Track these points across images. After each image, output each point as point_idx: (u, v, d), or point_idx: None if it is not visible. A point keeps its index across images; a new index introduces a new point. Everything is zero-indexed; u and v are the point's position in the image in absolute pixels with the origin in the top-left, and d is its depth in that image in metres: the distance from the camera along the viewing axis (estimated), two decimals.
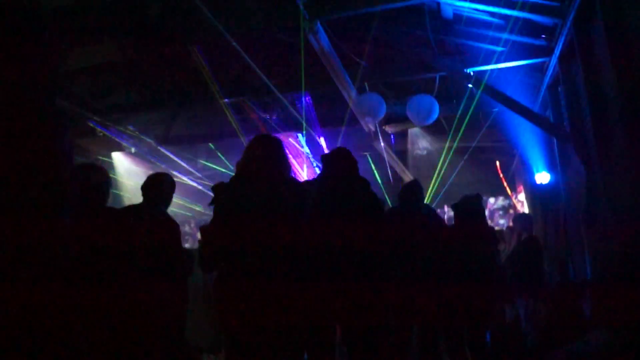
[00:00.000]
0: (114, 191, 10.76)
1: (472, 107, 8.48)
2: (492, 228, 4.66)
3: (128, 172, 10.62)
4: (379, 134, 9.22)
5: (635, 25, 4.46)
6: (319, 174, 3.81)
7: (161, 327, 3.49)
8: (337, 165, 3.63)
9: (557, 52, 6.59)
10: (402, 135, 10.14)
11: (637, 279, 4.28)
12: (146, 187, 4.03)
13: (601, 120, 5.47)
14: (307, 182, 3.96)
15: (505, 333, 5.40)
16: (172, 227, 3.86)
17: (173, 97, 8.05)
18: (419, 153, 10.64)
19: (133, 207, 3.94)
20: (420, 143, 10.28)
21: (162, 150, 9.98)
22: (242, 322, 2.77)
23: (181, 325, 3.69)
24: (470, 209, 4.61)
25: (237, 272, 2.83)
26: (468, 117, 8.42)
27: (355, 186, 3.53)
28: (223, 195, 3.00)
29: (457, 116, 9.24)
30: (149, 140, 9.64)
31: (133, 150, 10.01)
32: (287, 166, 3.18)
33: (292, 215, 2.94)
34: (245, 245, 2.83)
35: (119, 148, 10.05)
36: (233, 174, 3.17)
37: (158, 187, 4.05)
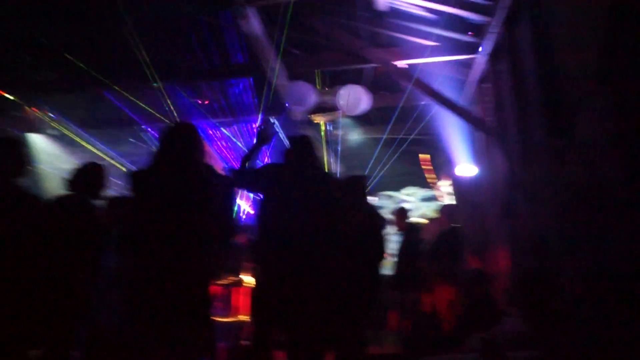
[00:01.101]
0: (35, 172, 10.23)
1: (402, 100, 8.61)
2: (374, 212, 4.56)
3: (45, 155, 10.07)
4: (309, 123, 9.21)
5: (560, 28, 4.63)
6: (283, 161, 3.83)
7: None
8: (301, 154, 3.71)
9: (485, 49, 6.77)
10: (330, 126, 10.16)
11: (549, 270, 4.47)
12: (75, 178, 3.84)
13: (523, 117, 5.69)
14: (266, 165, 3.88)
15: (423, 322, 5.54)
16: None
17: (98, 78, 7.69)
18: (349, 144, 10.70)
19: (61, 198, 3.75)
20: (350, 134, 10.33)
21: (86, 133, 9.56)
22: (147, 307, 2.72)
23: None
24: (351, 187, 4.43)
25: (148, 259, 2.76)
26: (397, 109, 8.55)
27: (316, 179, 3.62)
28: (139, 183, 2.92)
29: (387, 108, 9.37)
30: (70, 122, 9.20)
31: (52, 132, 9.50)
32: (203, 154, 3.10)
33: (202, 205, 2.89)
34: (158, 233, 2.77)
35: (36, 129, 9.51)
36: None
37: (87, 178, 3.86)
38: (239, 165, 3.68)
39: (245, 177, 3.65)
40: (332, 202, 3.64)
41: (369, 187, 4.53)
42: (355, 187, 4.40)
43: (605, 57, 3.48)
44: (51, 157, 10.03)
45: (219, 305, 5.94)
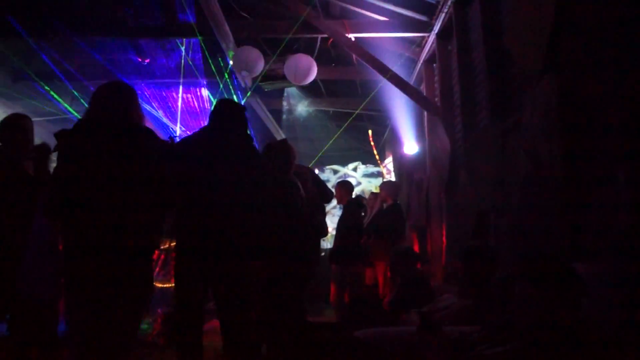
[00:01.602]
0: None
1: (352, 75, 8.58)
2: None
3: None
4: (255, 90, 9.04)
5: (509, 11, 4.68)
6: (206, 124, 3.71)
7: None
8: (227, 118, 3.60)
9: (435, 29, 6.81)
10: (278, 94, 10.04)
11: (490, 248, 4.60)
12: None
13: (469, 98, 5.77)
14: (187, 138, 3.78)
15: (363, 295, 5.61)
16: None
17: (34, 27, 7.25)
18: (293, 114, 10.62)
19: None
20: (296, 104, 10.25)
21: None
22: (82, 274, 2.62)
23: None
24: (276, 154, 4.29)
25: (81, 223, 2.64)
26: (350, 83, 8.52)
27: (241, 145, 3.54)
28: (67, 143, 2.76)
29: (337, 82, 9.35)
30: (3, 71, 8.70)
31: None
32: (140, 116, 2.95)
33: (139, 168, 2.77)
34: (91, 196, 2.64)
35: None
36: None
37: (16, 132, 3.62)
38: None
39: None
40: (252, 169, 3.57)
41: (296, 156, 4.43)
42: (280, 153, 4.30)
43: (553, 42, 3.54)
44: None
45: (157, 270, 5.83)
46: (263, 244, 3.62)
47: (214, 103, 3.85)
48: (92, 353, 2.61)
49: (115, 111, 2.83)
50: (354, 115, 9.09)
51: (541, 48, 3.68)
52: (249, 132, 3.83)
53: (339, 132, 9.57)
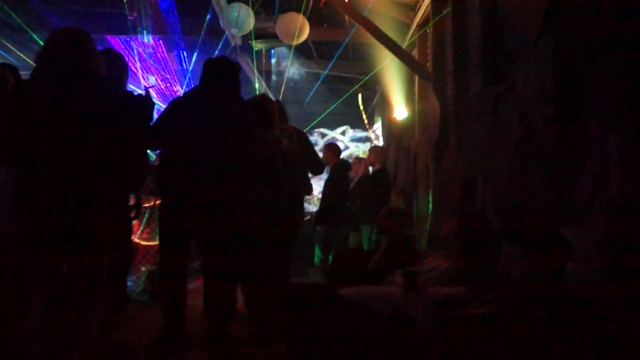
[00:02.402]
0: None
1: (348, 37, 8.43)
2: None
3: None
4: (245, 49, 8.90)
5: None
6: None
7: None
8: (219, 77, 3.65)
9: None
10: (269, 54, 9.90)
11: (472, 213, 4.61)
12: None
13: (461, 63, 5.70)
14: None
15: (348, 257, 5.63)
16: None
17: None
18: (283, 74, 10.48)
19: None
20: (286, 65, 10.11)
21: None
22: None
23: None
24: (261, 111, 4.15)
25: (33, 172, 2.58)
26: (342, 46, 8.39)
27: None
28: (23, 88, 2.69)
29: (329, 43, 9.20)
30: None
31: None
32: (96, 63, 2.80)
33: (100, 120, 2.66)
34: (45, 146, 2.57)
35: None
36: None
37: None
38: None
39: (158, 132, 3.56)
40: (242, 128, 3.63)
41: (278, 113, 4.38)
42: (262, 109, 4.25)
43: (550, 5, 3.48)
44: None
45: (141, 228, 5.79)
46: (241, 196, 3.70)
47: (208, 61, 3.81)
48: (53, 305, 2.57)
49: (72, 57, 2.71)
50: (344, 80, 8.99)
51: (538, 11, 3.62)
52: (239, 91, 3.81)
53: (345, 96, 9.45)
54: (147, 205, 5.58)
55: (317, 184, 8.41)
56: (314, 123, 10.12)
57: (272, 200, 4.06)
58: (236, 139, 3.55)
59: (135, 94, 3.20)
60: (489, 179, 4.45)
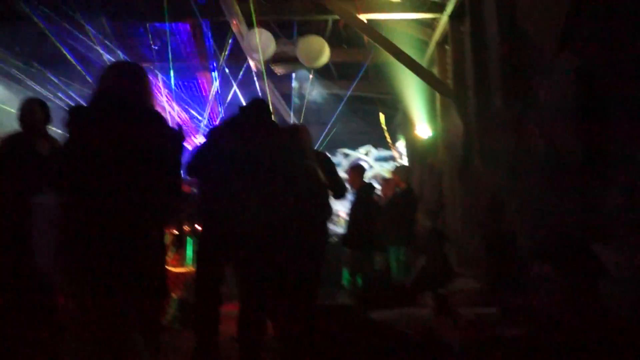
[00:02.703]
0: None
1: (369, 57, 8.49)
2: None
3: None
4: (265, 73, 9.00)
5: None
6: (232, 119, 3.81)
7: None
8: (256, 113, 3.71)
9: (448, 9, 6.72)
10: (289, 78, 9.99)
11: (499, 232, 4.56)
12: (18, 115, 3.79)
13: (482, 79, 5.69)
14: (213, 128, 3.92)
15: (376, 279, 5.60)
16: None
17: (43, 11, 7.24)
18: (304, 97, 10.54)
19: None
20: (307, 87, 10.18)
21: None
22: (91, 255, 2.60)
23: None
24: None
25: (81, 201, 2.61)
26: (364, 67, 8.44)
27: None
28: (77, 120, 2.73)
29: (349, 64, 9.25)
30: (15, 57, 8.68)
31: None
32: (152, 99, 2.89)
33: (149, 151, 2.73)
34: (101, 173, 2.61)
35: None
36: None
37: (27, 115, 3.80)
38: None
39: (197, 165, 3.66)
40: (281, 157, 3.66)
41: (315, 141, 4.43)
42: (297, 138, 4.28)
43: (570, 20, 3.47)
44: None
45: (171, 255, 5.85)
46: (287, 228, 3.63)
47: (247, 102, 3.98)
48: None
49: (124, 91, 2.76)
50: (367, 99, 9.02)
51: (557, 26, 3.62)
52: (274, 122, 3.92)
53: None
54: (176, 233, 5.65)
55: (344, 205, 8.41)
56: (326, 140, 10.11)
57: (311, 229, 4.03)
58: (281, 171, 3.57)
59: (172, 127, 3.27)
60: (516, 197, 4.41)
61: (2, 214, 3.39)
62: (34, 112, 3.82)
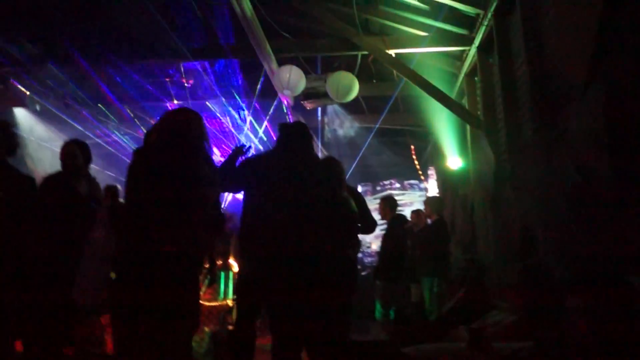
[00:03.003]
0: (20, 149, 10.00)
1: (397, 90, 8.58)
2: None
3: (32, 132, 9.95)
4: (297, 108, 9.15)
5: (550, 21, 4.61)
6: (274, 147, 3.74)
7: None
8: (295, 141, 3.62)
9: (476, 42, 6.76)
10: (319, 112, 10.11)
11: (530, 264, 4.49)
12: (60, 156, 3.95)
13: (512, 110, 5.69)
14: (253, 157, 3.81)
15: (409, 311, 5.55)
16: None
17: (85, 53, 7.55)
18: (335, 131, 10.65)
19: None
20: (338, 121, 10.29)
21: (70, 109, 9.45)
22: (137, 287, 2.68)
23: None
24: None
25: (143, 238, 2.71)
26: (391, 99, 8.52)
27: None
28: (139, 161, 2.88)
29: (378, 98, 9.34)
30: (56, 97, 9.04)
31: (37, 107, 9.32)
32: (205, 141, 3.07)
33: (199, 191, 2.87)
34: (156, 213, 2.72)
35: (22, 104, 9.33)
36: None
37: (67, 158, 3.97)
38: (219, 173, 3.62)
39: (229, 179, 3.59)
40: (321, 190, 3.56)
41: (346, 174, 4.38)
42: (334, 170, 4.24)
43: (598, 48, 3.46)
44: (37, 132, 9.91)
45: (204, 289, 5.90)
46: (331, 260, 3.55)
47: (281, 126, 3.83)
48: None
49: (181, 134, 2.96)
50: (397, 132, 9.06)
51: (586, 57, 3.61)
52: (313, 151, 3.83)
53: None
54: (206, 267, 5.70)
55: (375, 237, 8.38)
56: (357, 172, 10.13)
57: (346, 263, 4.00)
58: (325, 202, 3.52)
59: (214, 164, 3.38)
60: (548, 227, 4.36)
61: (43, 251, 3.50)
62: (74, 154, 3.97)
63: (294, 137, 3.66)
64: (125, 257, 2.73)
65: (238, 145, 3.82)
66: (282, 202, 3.38)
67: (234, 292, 3.79)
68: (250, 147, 3.82)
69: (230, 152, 3.78)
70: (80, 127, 10.37)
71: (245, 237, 3.62)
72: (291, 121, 4.03)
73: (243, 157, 3.75)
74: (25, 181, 3.57)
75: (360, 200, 4.74)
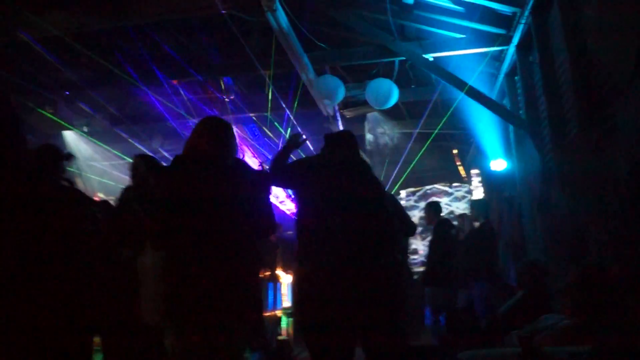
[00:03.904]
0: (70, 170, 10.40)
1: (436, 94, 8.51)
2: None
3: (81, 152, 10.31)
4: (337, 118, 9.17)
5: (591, 15, 4.50)
6: (321, 155, 3.60)
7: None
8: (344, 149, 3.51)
9: (515, 40, 6.65)
10: (360, 120, 10.12)
11: (588, 264, 4.36)
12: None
13: (556, 108, 5.57)
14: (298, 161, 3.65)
15: (458, 317, 5.46)
16: None
17: (127, 74, 7.78)
18: (377, 138, 10.63)
19: None
20: (378, 128, 10.27)
21: (117, 129, 9.73)
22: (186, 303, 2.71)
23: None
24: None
25: (187, 256, 2.74)
26: (430, 103, 8.46)
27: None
28: (167, 175, 2.90)
29: (417, 102, 9.29)
30: (101, 118, 9.33)
31: (85, 129, 9.64)
32: (236, 150, 3.08)
33: (240, 201, 2.86)
34: (195, 229, 2.74)
35: (70, 127, 9.67)
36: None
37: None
38: (271, 164, 3.57)
39: (281, 172, 3.46)
40: (372, 195, 3.36)
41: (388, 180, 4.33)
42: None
43: None
44: (85, 152, 10.27)
45: None
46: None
47: (328, 135, 3.70)
48: None
49: (213, 145, 2.96)
50: (439, 136, 8.99)
51: (631, 48, 3.51)
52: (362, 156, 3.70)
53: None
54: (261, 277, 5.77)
55: (422, 244, 8.32)
56: (399, 178, 10.07)
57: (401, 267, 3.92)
58: (379, 206, 3.35)
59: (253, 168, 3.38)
60: (601, 227, 4.23)
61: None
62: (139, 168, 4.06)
63: (341, 143, 3.56)
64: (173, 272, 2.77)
65: (294, 134, 3.74)
66: (341, 207, 3.20)
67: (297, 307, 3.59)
68: (306, 139, 3.74)
69: (286, 142, 3.65)
70: (126, 145, 10.70)
71: (307, 243, 3.29)
72: (333, 130, 3.92)
73: (297, 149, 3.68)
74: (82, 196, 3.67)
75: (397, 205, 4.71)
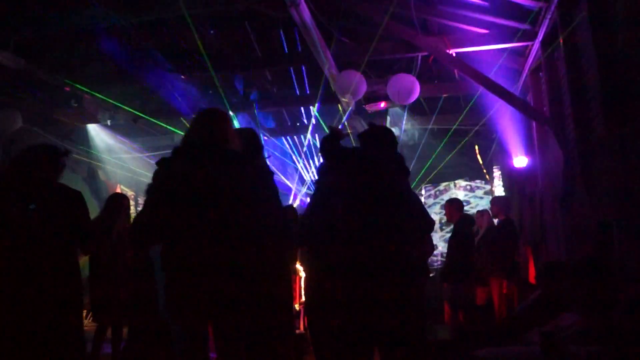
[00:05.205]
0: (93, 162, 10.63)
1: (454, 90, 8.47)
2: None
3: (104, 145, 10.45)
4: (358, 113, 9.17)
5: (619, 11, 4.44)
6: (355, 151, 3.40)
7: None
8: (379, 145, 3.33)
9: (540, 36, 6.58)
10: (382, 115, 10.09)
11: (609, 263, 4.32)
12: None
13: (580, 105, 5.50)
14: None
15: (477, 314, 5.45)
16: None
17: (151, 68, 7.86)
18: (399, 133, 10.60)
19: None
20: (400, 123, 10.23)
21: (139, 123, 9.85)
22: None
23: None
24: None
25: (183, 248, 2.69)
26: (457, 100, 8.41)
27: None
28: (166, 168, 2.82)
29: (439, 97, 9.25)
30: (126, 111, 9.43)
31: (109, 122, 9.75)
32: (234, 139, 2.99)
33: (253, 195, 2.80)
34: (206, 223, 2.68)
35: (95, 120, 9.78)
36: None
37: None
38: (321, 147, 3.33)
39: (330, 156, 3.30)
40: (399, 190, 3.20)
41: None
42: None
43: None
44: (108, 146, 10.42)
45: None
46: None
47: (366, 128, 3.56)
48: None
49: (211, 136, 2.91)
50: (460, 132, 8.93)
51: None
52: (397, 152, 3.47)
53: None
54: None
55: (443, 240, 8.29)
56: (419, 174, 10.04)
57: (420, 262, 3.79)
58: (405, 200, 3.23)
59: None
60: (626, 226, 4.18)
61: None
62: None
63: (376, 139, 3.39)
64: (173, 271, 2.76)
65: (332, 126, 3.58)
66: (360, 206, 3.03)
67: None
68: (348, 133, 3.63)
69: (328, 133, 3.45)
70: (148, 139, 10.81)
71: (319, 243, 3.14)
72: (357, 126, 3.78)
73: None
74: (72, 194, 3.67)
75: (417, 199, 4.67)
